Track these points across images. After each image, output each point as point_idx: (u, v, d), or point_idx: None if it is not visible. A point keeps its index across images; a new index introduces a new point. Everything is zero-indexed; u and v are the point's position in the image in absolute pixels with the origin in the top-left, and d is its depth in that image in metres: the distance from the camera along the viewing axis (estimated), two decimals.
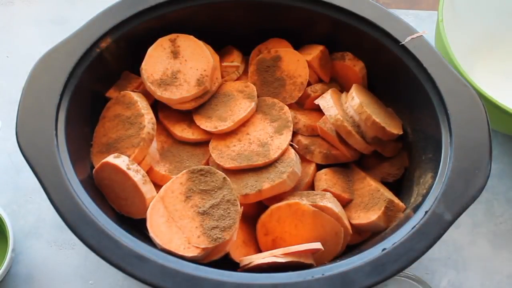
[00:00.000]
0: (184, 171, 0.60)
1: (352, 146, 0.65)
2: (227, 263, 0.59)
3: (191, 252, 0.55)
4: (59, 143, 0.57)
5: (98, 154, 0.63)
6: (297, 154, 0.64)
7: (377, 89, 0.70)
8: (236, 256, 0.60)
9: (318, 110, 0.67)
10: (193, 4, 0.66)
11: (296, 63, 0.69)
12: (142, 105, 0.63)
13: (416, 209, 0.57)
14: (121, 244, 0.53)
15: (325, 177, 0.65)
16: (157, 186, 0.61)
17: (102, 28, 0.63)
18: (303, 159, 0.66)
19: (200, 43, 0.67)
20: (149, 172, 0.63)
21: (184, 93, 0.65)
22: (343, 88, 0.71)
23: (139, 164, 0.61)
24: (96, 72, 0.63)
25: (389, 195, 0.62)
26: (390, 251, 0.53)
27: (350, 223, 0.62)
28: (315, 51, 0.69)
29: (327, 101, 0.66)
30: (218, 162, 0.64)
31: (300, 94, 0.68)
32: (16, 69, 0.81)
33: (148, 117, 0.63)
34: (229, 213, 0.57)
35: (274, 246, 0.60)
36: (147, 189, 0.59)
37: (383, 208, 0.61)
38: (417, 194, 0.60)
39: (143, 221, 0.59)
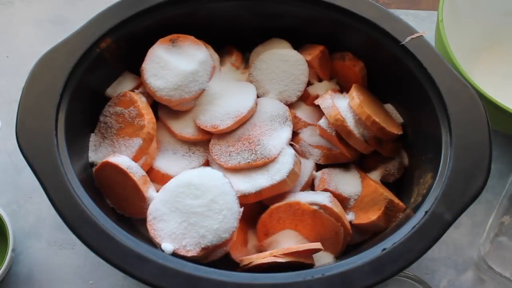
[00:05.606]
0: (184, 170, 0.60)
1: (352, 146, 0.65)
2: (227, 263, 0.59)
3: (191, 252, 0.55)
4: (59, 143, 0.57)
5: (98, 153, 0.63)
6: (297, 154, 0.64)
7: (377, 89, 0.70)
8: (236, 256, 0.60)
9: (318, 110, 0.67)
10: (193, 4, 0.66)
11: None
12: (142, 105, 0.63)
13: (416, 209, 0.57)
14: (121, 244, 0.53)
15: (325, 177, 0.65)
16: (157, 186, 0.61)
17: (102, 28, 0.63)
18: (303, 159, 0.66)
19: (200, 43, 0.67)
20: (149, 172, 0.63)
21: (184, 94, 0.65)
22: (343, 88, 0.71)
23: (139, 164, 0.61)
24: (96, 72, 0.63)
25: (389, 195, 0.62)
26: (390, 251, 0.53)
27: (350, 223, 0.62)
28: (315, 51, 0.69)
29: (327, 101, 0.66)
30: (218, 162, 0.64)
31: (300, 94, 0.68)
32: (16, 69, 0.81)
33: (148, 117, 0.63)
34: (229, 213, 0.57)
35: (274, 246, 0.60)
36: (147, 189, 0.59)
37: (383, 208, 0.61)
38: (417, 194, 0.60)
39: (143, 221, 0.59)
